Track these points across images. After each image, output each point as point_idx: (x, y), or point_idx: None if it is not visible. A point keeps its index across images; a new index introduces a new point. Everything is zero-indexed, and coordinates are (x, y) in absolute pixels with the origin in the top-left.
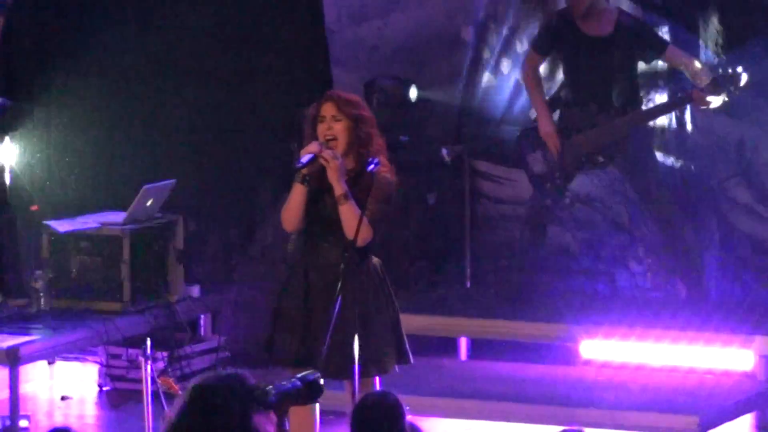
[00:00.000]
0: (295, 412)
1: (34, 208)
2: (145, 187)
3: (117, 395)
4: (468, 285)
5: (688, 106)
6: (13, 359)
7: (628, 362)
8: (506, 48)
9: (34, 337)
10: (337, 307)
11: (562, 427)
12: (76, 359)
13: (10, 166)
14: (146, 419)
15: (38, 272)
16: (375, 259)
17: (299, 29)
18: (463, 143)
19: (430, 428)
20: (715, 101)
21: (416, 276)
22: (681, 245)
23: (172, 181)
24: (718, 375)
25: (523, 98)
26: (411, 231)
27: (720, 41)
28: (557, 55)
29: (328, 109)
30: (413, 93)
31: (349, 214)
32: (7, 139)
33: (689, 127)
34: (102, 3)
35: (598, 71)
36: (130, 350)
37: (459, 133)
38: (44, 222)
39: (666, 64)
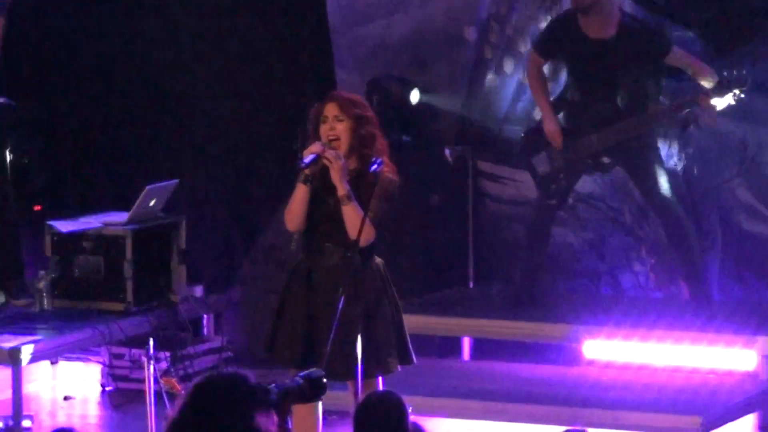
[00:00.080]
0: (298, 412)
1: (37, 208)
2: (148, 187)
3: (120, 395)
4: (471, 285)
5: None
6: (16, 359)
7: (631, 362)
8: (509, 48)
9: (37, 337)
10: (340, 307)
11: (565, 427)
12: (79, 359)
13: (12, 166)
14: (149, 419)
15: (41, 272)
16: (378, 260)
17: (302, 30)
18: (466, 143)
19: (433, 428)
20: (720, 104)
21: (419, 276)
22: (685, 245)
23: (175, 181)
24: (721, 375)
25: (526, 98)
26: (414, 231)
27: (721, 41)
28: (561, 57)
29: (330, 110)
30: (414, 96)
31: (351, 214)
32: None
33: (691, 127)
34: (104, 3)
35: (602, 74)
36: (133, 350)
37: (462, 133)
38: (47, 222)
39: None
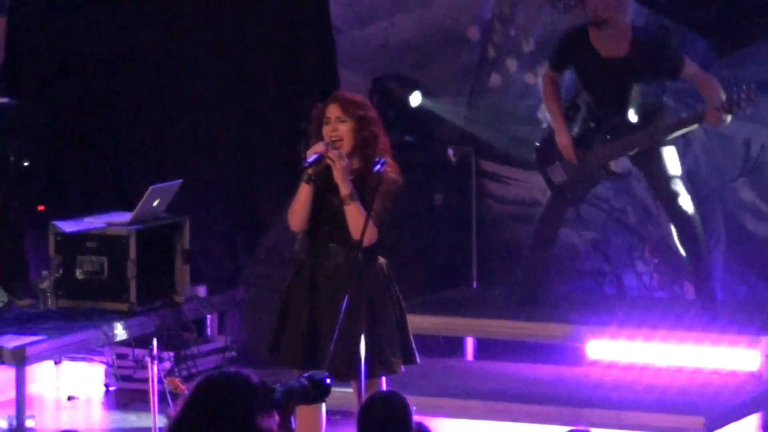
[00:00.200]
0: (302, 412)
1: (40, 208)
2: (152, 187)
3: (123, 395)
4: (474, 285)
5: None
6: (20, 359)
7: (634, 362)
8: (513, 48)
9: (41, 337)
10: (344, 307)
11: (568, 428)
12: (83, 359)
13: (15, 167)
14: (153, 419)
15: (45, 272)
16: (381, 260)
17: (306, 30)
18: (469, 143)
19: (437, 428)
20: (728, 119)
21: (423, 276)
22: (695, 245)
23: (179, 181)
24: (725, 375)
25: (530, 98)
26: (417, 231)
27: (724, 42)
28: (572, 71)
29: (332, 111)
30: (415, 100)
31: (354, 214)
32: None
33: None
34: (108, 3)
35: (613, 89)
36: (137, 350)
37: (465, 133)
38: (51, 222)
39: None
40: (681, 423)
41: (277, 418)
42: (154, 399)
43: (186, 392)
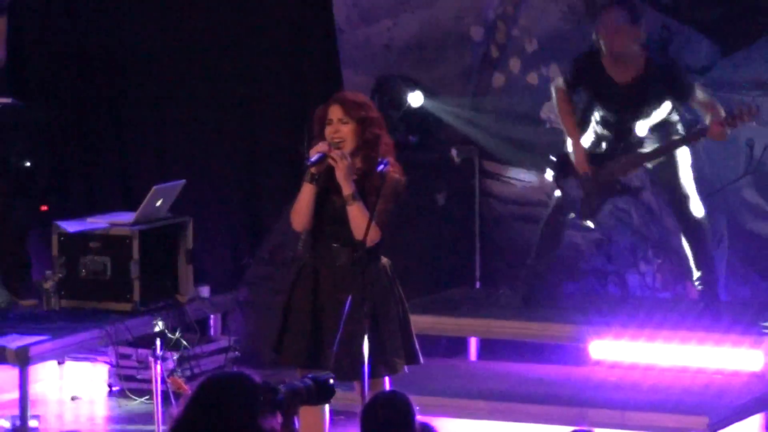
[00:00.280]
0: (305, 412)
1: (43, 208)
2: (155, 187)
3: (127, 395)
4: (477, 285)
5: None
6: (23, 359)
7: (637, 362)
8: (516, 48)
9: (44, 337)
10: (347, 307)
11: (572, 428)
12: (86, 359)
13: (19, 167)
14: (156, 419)
15: (48, 272)
16: (384, 259)
17: (309, 30)
18: (472, 143)
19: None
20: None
21: (426, 276)
22: (702, 245)
23: (182, 181)
24: (728, 375)
25: (533, 98)
26: (420, 231)
27: (728, 41)
28: (583, 90)
29: (334, 112)
30: (418, 100)
31: (357, 214)
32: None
33: None
34: (112, 3)
35: (624, 112)
36: (140, 350)
37: (469, 133)
38: (54, 222)
39: None
40: (684, 423)
41: (280, 418)
42: (157, 399)
43: (189, 392)
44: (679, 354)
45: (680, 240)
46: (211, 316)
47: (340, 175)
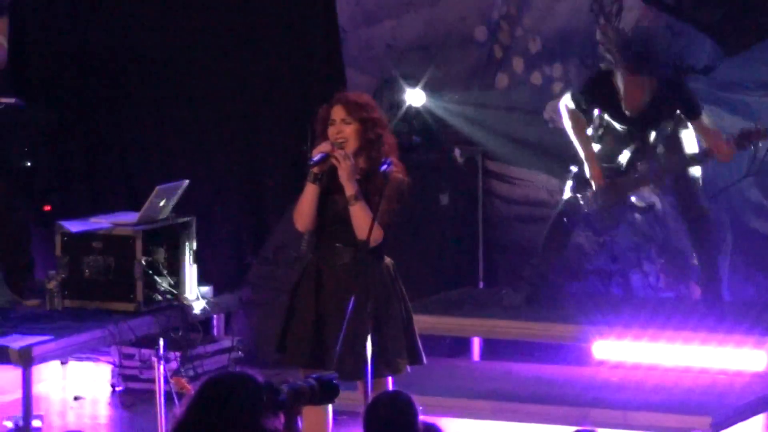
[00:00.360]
0: (308, 412)
1: (46, 208)
2: (158, 187)
3: (130, 395)
4: (481, 285)
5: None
6: (26, 359)
7: (640, 362)
8: (519, 48)
9: (47, 337)
10: (350, 307)
11: (575, 428)
12: (89, 359)
13: (22, 166)
14: (159, 419)
15: (51, 272)
16: (387, 260)
17: (312, 30)
18: (475, 143)
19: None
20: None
21: (429, 276)
22: (707, 245)
23: (186, 181)
24: (731, 375)
25: (536, 98)
26: (423, 231)
27: (732, 41)
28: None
29: (337, 112)
30: (421, 100)
31: (359, 214)
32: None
33: None
34: (115, 3)
35: (635, 132)
36: (143, 350)
37: (472, 133)
38: (57, 222)
39: None
40: (688, 423)
41: (282, 418)
42: (160, 399)
43: (192, 392)
44: (683, 354)
45: (684, 240)
46: (214, 316)
47: (343, 176)
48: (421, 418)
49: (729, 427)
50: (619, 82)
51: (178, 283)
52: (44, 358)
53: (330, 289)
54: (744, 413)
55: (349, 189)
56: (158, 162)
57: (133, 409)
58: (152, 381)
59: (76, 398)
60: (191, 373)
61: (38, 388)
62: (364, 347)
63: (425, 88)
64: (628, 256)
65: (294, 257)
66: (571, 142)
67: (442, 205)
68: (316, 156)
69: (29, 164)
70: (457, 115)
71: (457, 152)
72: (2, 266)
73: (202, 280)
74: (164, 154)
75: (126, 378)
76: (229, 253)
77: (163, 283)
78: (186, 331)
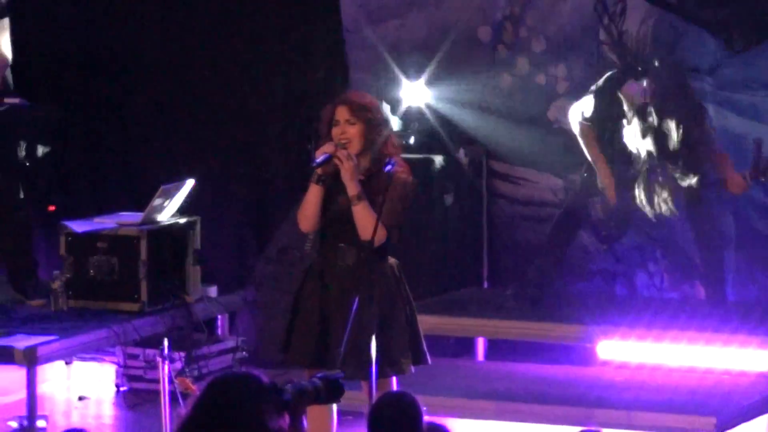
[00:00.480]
0: (313, 412)
1: (51, 208)
2: (163, 187)
3: (134, 395)
4: (485, 285)
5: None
6: (31, 359)
7: (645, 363)
8: (523, 48)
9: (52, 337)
10: (355, 307)
11: (579, 428)
12: (94, 359)
13: (26, 166)
14: (163, 419)
15: (56, 272)
16: (392, 260)
17: (316, 30)
18: (480, 144)
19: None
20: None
21: (433, 276)
22: (712, 246)
23: (190, 181)
24: (735, 375)
25: (541, 99)
26: (428, 231)
27: (736, 41)
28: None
29: (341, 113)
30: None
31: (362, 214)
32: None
33: None
34: (119, 2)
35: (643, 134)
36: (148, 350)
37: (476, 134)
38: (62, 222)
39: None
40: (692, 423)
41: (287, 418)
42: (164, 399)
43: (196, 392)
44: (687, 354)
45: (688, 240)
46: (219, 317)
47: (346, 175)
48: (426, 418)
49: (734, 427)
50: (625, 89)
51: (183, 283)
52: (49, 358)
53: (334, 289)
54: (748, 413)
55: (352, 189)
56: (162, 162)
57: (137, 409)
58: (157, 381)
59: (80, 398)
60: (196, 373)
61: (43, 388)
62: (369, 347)
63: (429, 89)
64: (633, 256)
65: (298, 258)
66: (578, 145)
67: (446, 205)
68: (320, 157)
69: (35, 164)
70: (461, 115)
71: (461, 153)
72: (6, 266)
73: (206, 280)
74: (168, 154)
75: (130, 378)
76: (233, 254)
77: (168, 283)
78: (190, 331)
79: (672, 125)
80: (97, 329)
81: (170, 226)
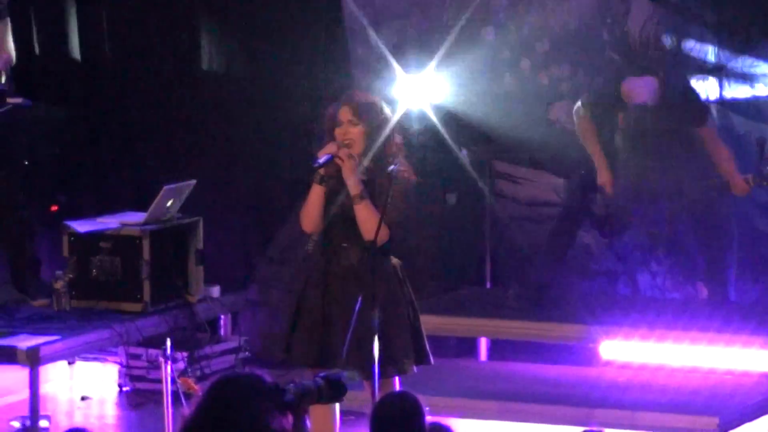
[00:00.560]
0: (316, 412)
1: (53, 208)
2: (166, 187)
3: (137, 395)
4: (488, 285)
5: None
6: (34, 359)
7: (648, 363)
8: (526, 48)
9: (55, 337)
10: (357, 307)
11: (582, 428)
12: (96, 359)
13: (29, 166)
14: (166, 419)
15: (58, 272)
16: (395, 260)
17: (319, 30)
18: (483, 144)
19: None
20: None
21: (436, 277)
22: (716, 245)
23: (193, 181)
24: (738, 376)
25: (544, 99)
26: (431, 231)
27: (737, 41)
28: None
29: (344, 113)
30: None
31: (364, 213)
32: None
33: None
34: (122, 3)
35: (647, 134)
36: (150, 350)
37: (479, 134)
38: (64, 222)
39: None
40: (695, 423)
41: (290, 418)
42: (167, 399)
43: (199, 392)
44: (690, 354)
45: (691, 240)
46: (222, 317)
47: (347, 174)
48: (429, 418)
49: (736, 427)
50: (626, 85)
51: (186, 284)
52: (52, 358)
53: (337, 289)
54: (751, 414)
55: (354, 188)
56: (165, 162)
57: (140, 410)
58: (159, 381)
59: (83, 398)
60: (198, 373)
61: (45, 388)
62: (371, 347)
63: (432, 89)
64: (636, 256)
65: (301, 257)
66: (581, 145)
67: (449, 205)
68: (322, 158)
69: (36, 164)
70: (464, 115)
71: (464, 153)
72: (9, 266)
73: (209, 280)
74: (172, 155)
75: (133, 378)
76: (235, 253)
77: (171, 283)
78: (193, 331)
79: (673, 124)
80: (99, 329)
81: (173, 226)
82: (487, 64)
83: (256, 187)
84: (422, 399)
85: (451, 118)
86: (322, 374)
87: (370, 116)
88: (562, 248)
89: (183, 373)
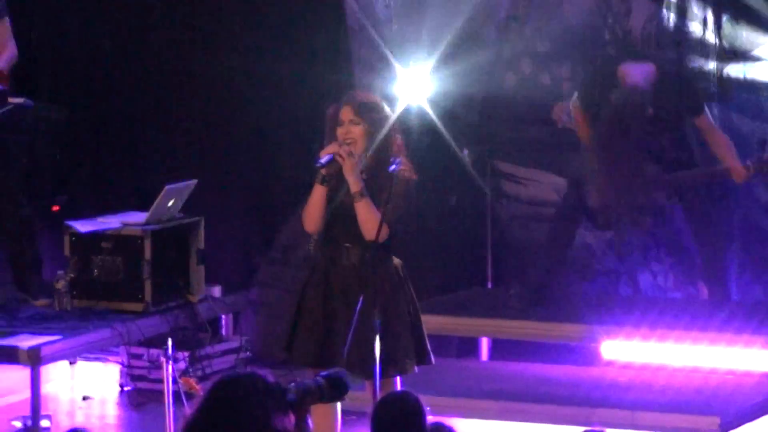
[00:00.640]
0: (317, 412)
1: (55, 208)
2: (167, 187)
3: (138, 395)
4: (489, 285)
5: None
6: (35, 359)
7: (649, 363)
8: (527, 48)
9: (56, 337)
10: (359, 307)
11: (583, 428)
12: (98, 359)
13: (30, 166)
14: (167, 419)
15: (60, 272)
16: (396, 260)
17: (320, 29)
18: (484, 144)
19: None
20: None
21: (437, 276)
22: (714, 245)
23: (194, 181)
24: (740, 375)
25: (545, 98)
26: (432, 231)
27: (737, 41)
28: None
29: (345, 113)
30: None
31: (365, 211)
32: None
33: None
34: (124, 3)
35: (636, 117)
36: (152, 350)
37: (480, 134)
38: (66, 222)
39: None
40: (696, 423)
41: (292, 418)
42: (168, 399)
43: (200, 392)
44: (691, 354)
45: (692, 240)
46: (223, 316)
47: (348, 172)
48: (430, 418)
49: (737, 427)
50: (623, 68)
51: (187, 283)
52: (53, 358)
53: (338, 289)
54: (752, 414)
55: (354, 186)
56: (167, 162)
57: (141, 409)
58: (161, 381)
59: (84, 398)
60: (199, 373)
61: (47, 388)
62: (372, 347)
63: (433, 88)
64: (637, 255)
65: (302, 257)
66: (580, 143)
67: (450, 205)
68: (324, 158)
69: (37, 163)
70: (465, 115)
71: (465, 152)
72: (10, 266)
73: (210, 279)
74: (173, 154)
75: (134, 378)
76: (237, 253)
77: (172, 283)
78: (194, 331)
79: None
80: (101, 329)
81: (174, 226)
82: (488, 64)
83: (258, 186)
84: (423, 399)
85: (452, 117)
86: (323, 373)
87: (371, 116)
88: (561, 248)
89: (184, 373)
